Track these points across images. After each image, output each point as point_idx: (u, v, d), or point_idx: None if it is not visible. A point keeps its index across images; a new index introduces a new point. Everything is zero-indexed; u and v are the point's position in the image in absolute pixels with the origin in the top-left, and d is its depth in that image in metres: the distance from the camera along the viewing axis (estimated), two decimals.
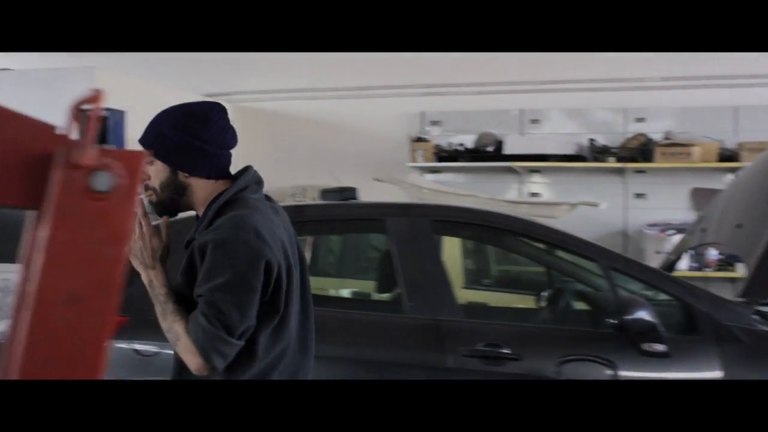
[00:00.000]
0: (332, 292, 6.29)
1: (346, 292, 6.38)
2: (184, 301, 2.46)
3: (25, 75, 9.22)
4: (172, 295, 2.47)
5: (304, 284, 2.70)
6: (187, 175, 2.51)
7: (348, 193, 4.84)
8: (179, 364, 2.58)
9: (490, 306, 5.86)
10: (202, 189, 2.54)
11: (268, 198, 2.76)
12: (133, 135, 7.43)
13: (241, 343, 2.40)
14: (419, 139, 9.25)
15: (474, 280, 6.92)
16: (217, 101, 2.72)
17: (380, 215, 4.71)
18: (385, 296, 5.29)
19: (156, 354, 4.34)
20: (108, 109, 7.01)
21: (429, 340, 4.30)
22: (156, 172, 2.52)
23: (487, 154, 8.99)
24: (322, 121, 10.41)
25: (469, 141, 9.27)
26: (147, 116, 2.61)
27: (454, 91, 9.48)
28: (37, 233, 1.34)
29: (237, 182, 2.58)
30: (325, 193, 4.99)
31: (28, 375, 1.28)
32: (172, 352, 4.36)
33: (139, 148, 2.48)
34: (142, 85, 9.42)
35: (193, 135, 2.50)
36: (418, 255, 4.47)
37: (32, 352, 1.28)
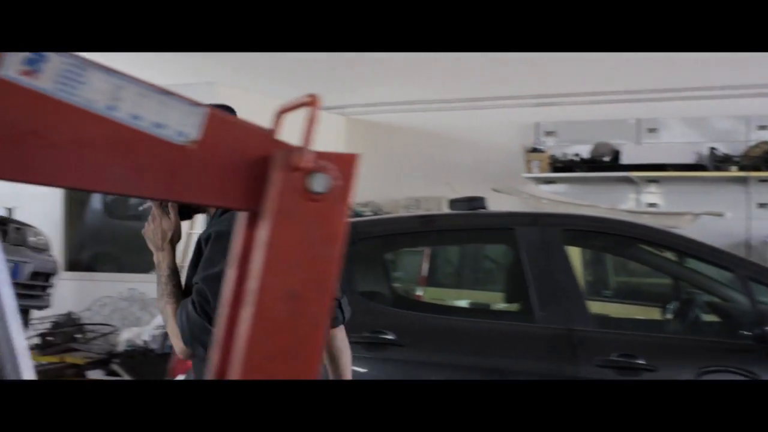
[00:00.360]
0: (456, 302, 6.30)
1: (469, 302, 6.38)
2: (188, 289, 2.52)
3: None
4: (173, 278, 2.56)
5: None
6: None
7: (477, 202, 4.84)
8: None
9: (614, 317, 5.78)
10: None
11: None
12: None
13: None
14: (534, 150, 9.20)
15: (594, 291, 6.83)
16: (230, 105, 2.75)
17: (509, 224, 4.70)
18: (513, 306, 5.27)
19: None
20: None
21: (561, 350, 4.27)
22: None
23: (603, 164, 8.88)
24: (435, 133, 10.44)
25: (584, 151, 9.17)
26: None
27: (568, 101, 9.40)
28: (256, 233, 1.39)
29: None
30: (454, 202, 5.01)
31: (250, 370, 1.33)
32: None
33: None
34: (261, 99, 9.62)
35: None
36: (548, 264, 4.45)
37: (254, 347, 1.33)
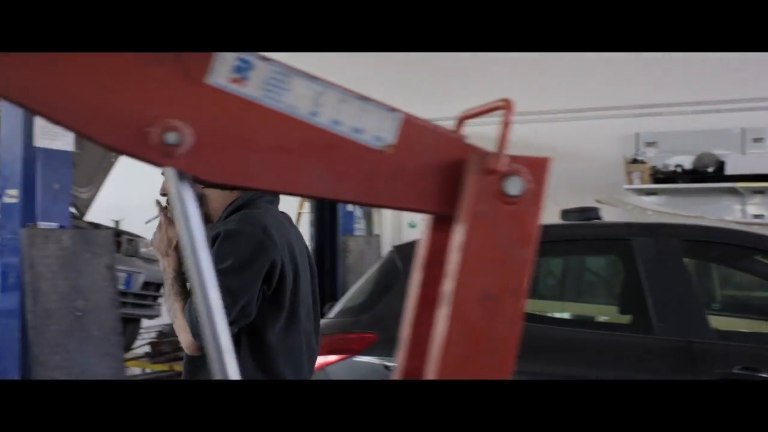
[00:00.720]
0: (559, 314, 6.23)
1: (572, 314, 6.30)
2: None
3: None
4: (179, 279, 2.57)
5: (315, 297, 2.78)
6: (202, 185, 2.61)
7: (591, 213, 4.79)
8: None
9: (735, 330, 5.64)
10: (217, 198, 2.64)
11: (283, 213, 2.79)
12: None
13: (232, 329, 2.43)
14: (635, 161, 9.07)
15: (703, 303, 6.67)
16: None
17: (625, 235, 4.64)
18: (626, 317, 5.19)
19: None
20: None
21: (680, 362, 4.20)
22: None
23: (707, 174, 8.70)
24: (534, 145, 10.39)
25: (686, 162, 9.00)
26: None
27: (669, 111, 9.24)
28: (445, 236, 1.41)
29: (250, 191, 2.64)
30: (567, 213, 4.97)
31: (446, 370, 1.34)
32: None
33: None
34: None
35: None
36: (666, 275, 4.38)
37: (451, 348, 1.34)
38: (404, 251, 5.02)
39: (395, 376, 1.52)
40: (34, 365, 4.67)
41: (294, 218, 7.16)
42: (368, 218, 9.23)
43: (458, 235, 1.36)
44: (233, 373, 1.34)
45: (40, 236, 4.82)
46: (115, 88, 1.27)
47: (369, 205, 1.40)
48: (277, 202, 2.78)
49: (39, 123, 4.94)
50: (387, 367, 4.48)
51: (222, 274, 2.35)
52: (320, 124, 1.33)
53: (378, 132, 1.35)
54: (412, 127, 1.37)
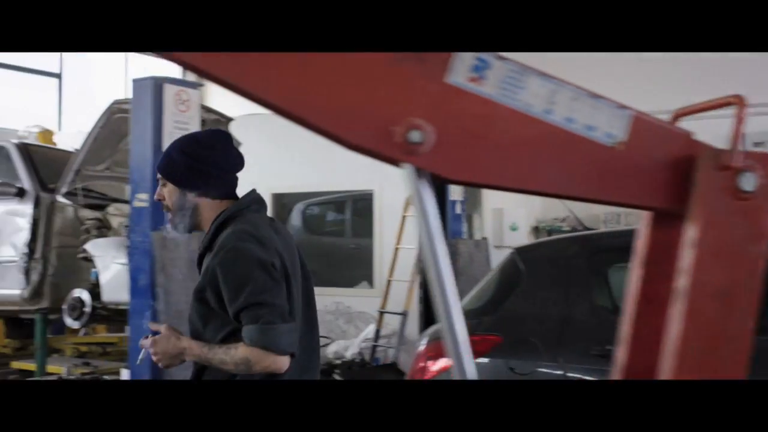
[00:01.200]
0: None
1: None
2: (205, 316, 2.65)
3: None
4: (210, 348, 2.61)
5: (309, 297, 2.79)
6: (194, 195, 2.69)
7: None
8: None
9: None
10: (209, 209, 2.71)
11: (271, 219, 2.82)
12: None
13: (295, 321, 2.57)
14: None
15: None
16: (221, 129, 2.83)
17: None
18: None
19: (531, 372, 4.42)
20: None
21: None
22: (168, 193, 2.72)
23: None
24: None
25: None
26: None
27: None
28: (669, 233, 1.41)
29: (238, 201, 2.74)
30: None
31: (683, 367, 1.34)
32: (546, 369, 4.45)
33: None
34: None
35: (197, 159, 2.69)
36: None
37: (687, 345, 1.34)
38: (526, 253, 5.01)
39: (615, 373, 1.52)
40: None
41: (398, 221, 7.13)
42: (469, 221, 9.24)
43: (691, 232, 1.35)
44: (471, 367, 1.37)
45: (171, 239, 4.95)
46: (362, 88, 1.30)
47: (598, 201, 1.41)
48: (264, 210, 2.83)
49: (167, 129, 5.07)
50: (512, 369, 4.47)
51: (257, 293, 2.53)
52: (554, 121, 1.35)
53: (609, 129, 1.36)
54: (642, 124, 1.38)
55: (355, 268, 10.07)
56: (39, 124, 11.17)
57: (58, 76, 13.00)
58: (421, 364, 4.72)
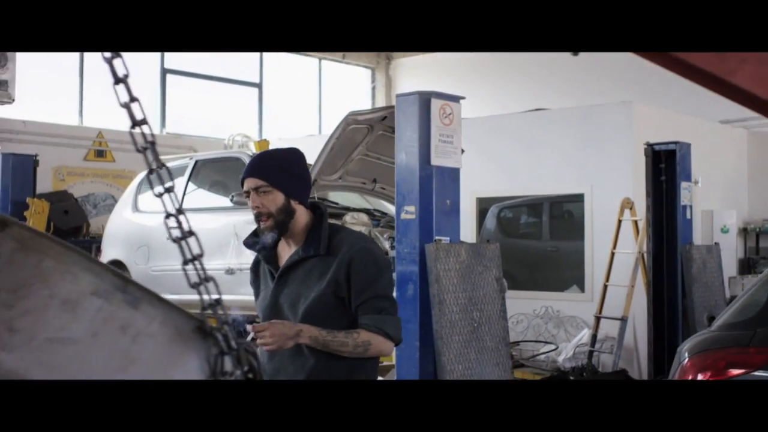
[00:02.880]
0: None
1: None
2: (328, 306, 3.04)
3: (561, 113, 9.72)
4: (329, 332, 2.98)
5: None
6: (297, 202, 3.08)
7: None
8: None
9: None
10: (302, 214, 3.11)
11: None
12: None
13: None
14: None
15: None
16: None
17: None
18: None
19: None
20: (676, 143, 7.18)
21: None
22: (273, 199, 3.04)
23: None
24: None
25: None
26: None
27: None
28: None
29: (323, 210, 3.19)
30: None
31: None
32: None
33: None
34: (670, 116, 9.54)
35: (305, 170, 3.21)
36: None
37: None
38: None
39: None
40: (442, 374, 4.92)
41: (609, 224, 7.19)
42: None
43: None
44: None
45: (443, 251, 5.06)
46: None
47: None
48: None
49: (434, 142, 5.19)
50: None
51: (388, 288, 3.10)
52: None
53: None
54: None
55: (562, 271, 10.04)
56: (242, 132, 11.61)
57: (258, 85, 13.45)
58: (689, 378, 4.67)
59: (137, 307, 1.31)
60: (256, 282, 3.31)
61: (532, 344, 8.86)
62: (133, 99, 1.36)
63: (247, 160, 7.95)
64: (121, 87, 1.36)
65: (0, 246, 1.29)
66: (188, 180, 8.33)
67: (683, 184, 7.19)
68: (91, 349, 1.28)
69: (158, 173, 1.43)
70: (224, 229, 7.61)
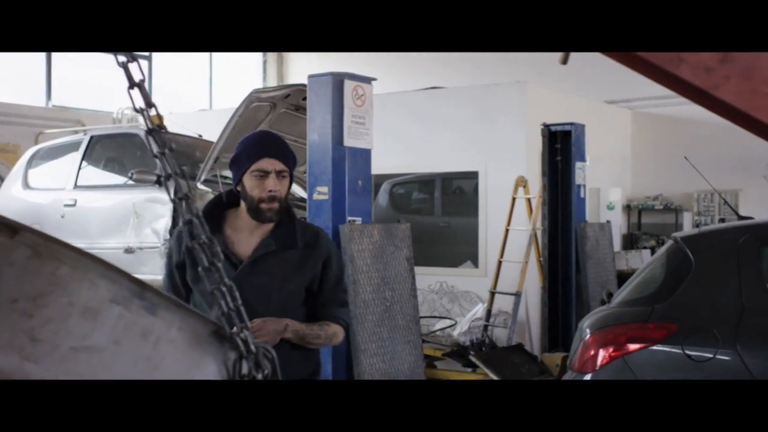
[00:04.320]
0: None
1: None
2: (299, 299, 3.10)
3: (457, 92, 9.86)
4: (307, 325, 3.04)
5: None
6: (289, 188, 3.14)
7: None
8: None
9: None
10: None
11: None
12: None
13: None
14: None
15: None
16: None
17: None
18: None
19: (709, 360, 4.55)
20: (572, 124, 7.41)
21: None
22: (286, 185, 3.06)
23: None
24: (724, 124, 10.32)
25: None
26: None
27: None
28: None
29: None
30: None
31: None
32: (725, 357, 4.59)
33: None
34: (561, 96, 9.81)
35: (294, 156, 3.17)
36: None
37: None
38: (694, 242, 5.15)
39: None
40: (356, 352, 4.99)
41: (503, 202, 7.47)
42: None
43: None
44: None
45: (357, 231, 5.12)
46: None
47: None
48: None
49: (347, 124, 5.22)
50: (689, 356, 4.60)
51: (345, 291, 3.27)
52: None
53: None
54: None
55: (456, 247, 10.23)
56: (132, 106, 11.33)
57: (148, 58, 13.13)
58: (591, 353, 4.86)
59: (155, 313, 1.32)
60: (180, 259, 3.10)
61: (431, 320, 9.01)
62: (150, 105, 1.36)
63: (143, 137, 7.87)
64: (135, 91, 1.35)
65: (13, 253, 1.27)
66: (83, 156, 8.12)
67: (578, 164, 7.44)
68: (116, 357, 1.28)
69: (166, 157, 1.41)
70: (122, 206, 7.46)
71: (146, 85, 1.39)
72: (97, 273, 1.30)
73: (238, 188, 3.09)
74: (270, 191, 2.97)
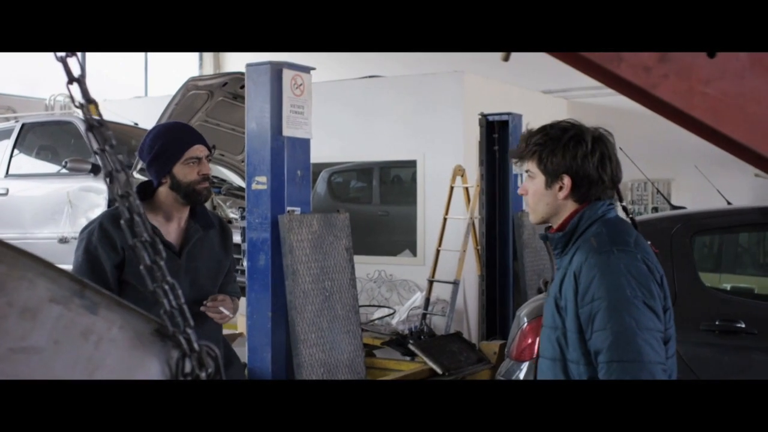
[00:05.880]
0: None
1: None
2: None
3: (395, 81, 9.87)
4: (232, 299, 3.39)
5: None
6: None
7: None
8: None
9: None
10: None
11: None
12: None
13: None
14: None
15: None
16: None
17: None
18: None
19: None
20: (509, 114, 7.46)
21: None
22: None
23: None
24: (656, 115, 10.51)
25: None
26: None
27: None
28: None
29: None
30: None
31: None
32: None
33: None
34: (498, 86, 9.88)
35: None
36: None
37: None
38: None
39: None
40: (295, 343, 4.97)
41: (440, 190, 7.61)
42: None
43: None
44: None
45: (296, 221, 5.10)
46: None
47: None
48: None
49: (285, 113, 5.19)
50: None
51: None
52: None
53: None
54: None
55: (394, 235, 10.26)
56: (65, 93, 11.11)
57: None
58: (529, 341, 4.92)
59: (96, 312, 1.30)
60: (109, 249, 3.07)
61: (370, 309, 9.03)
62: (90, 101, 1.33)
63: (80, 125, 7.73)
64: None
65: None
66: (14, 144, 7.94)
67: None
68: (55, 358, 1.26)
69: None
70: (56, 195, 7.33)
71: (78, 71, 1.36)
72: (35, 272, 1.28)
73: (163, 180, 3.18)
74: (203, 175, 3.18)
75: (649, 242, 2.56)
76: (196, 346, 1.33)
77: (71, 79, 1.31)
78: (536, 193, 2.51)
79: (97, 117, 1.32)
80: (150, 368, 1.33)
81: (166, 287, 1.35)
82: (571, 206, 2.49)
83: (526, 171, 2.54)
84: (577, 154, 2.41)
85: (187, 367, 1.33)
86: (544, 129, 2.50)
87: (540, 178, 2.49)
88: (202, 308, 3.11)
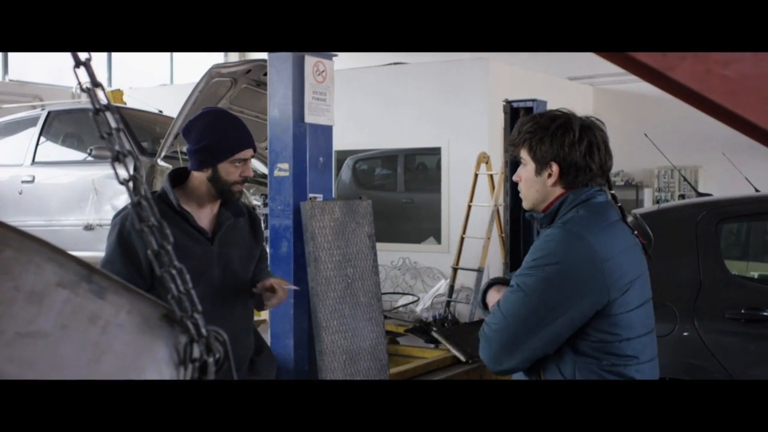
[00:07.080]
0: None
1: None
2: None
3: (419, 68, 9.83)
4: None
5: None
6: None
7: None
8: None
9: None
10: None
11: None
12: None
13: None
14: None
15: None
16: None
17: None
18: None
19: (666, 335, 4.60)
20: (534, 100, 7.41)
21: None
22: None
23: None
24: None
25: None
26: None
27: None
28: None
29: None
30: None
31: None
32: (685, 333, 4.65)
33: None
34: (523, 72, 9.82)
35: None
36: None
37: None
38: (652, 219, 5.21)
39: None
40: (317, 330, 4.97)
41: (465, 178, 7.60)
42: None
43: None
44: None
45: (318, 208, 5.09)
46: None
47: None
48: None
49: (308, 100, 5.18)
50: None
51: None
52: None
53: None
54: None
55: (418, 223, 10.24)
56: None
57: None
58: None
59: (103, 297, 1.29)
60: (137, 238, 2.96)
61: (394, 296, 9.03)
62: (96, 84, 1.33)
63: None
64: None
65: None
66: (40, 132, 8.00)
67: None
68: (62, 342, 1.25)
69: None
70: (82, 183, 7.37)
71: (105, 59, 1.35)
72: (43, 256, 1.27)
73: (204, 170, 3.14)
74: (245, 176, 3.18)
75: (635, 232, 2.61)
76: (204, 331, 1.32)
77: (78, 62, 1.31)
78: (527, 180, 2.59)
79: (104, 102, 1.31)
80: (157, 353, 1.32)
81: (174, 272, 1.34)
82: (559, 192, 2.56)
83: (520, 158, 2.62)
84: (565, 142, 2.48)
85: (195, 352, 1.32)
86: (534, 117, 2.59)
87: (531, 166, 2.57)
88: (274, 284, 3.17)
